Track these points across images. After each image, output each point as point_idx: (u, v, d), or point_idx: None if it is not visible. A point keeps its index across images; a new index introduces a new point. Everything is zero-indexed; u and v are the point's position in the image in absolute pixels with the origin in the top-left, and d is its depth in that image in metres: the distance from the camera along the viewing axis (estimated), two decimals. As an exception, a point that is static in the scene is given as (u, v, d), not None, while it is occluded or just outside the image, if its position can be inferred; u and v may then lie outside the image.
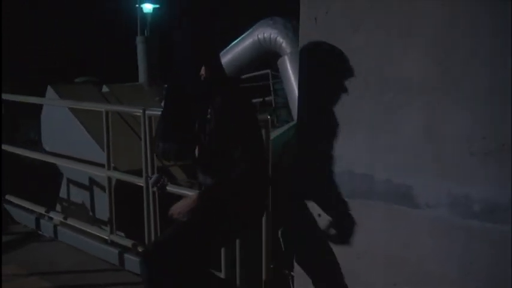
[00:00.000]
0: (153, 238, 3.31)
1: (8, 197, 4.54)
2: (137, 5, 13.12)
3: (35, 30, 15.14)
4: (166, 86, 2.69)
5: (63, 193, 4.66)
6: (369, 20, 2.24)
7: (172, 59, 2.25)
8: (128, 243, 3.56)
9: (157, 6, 14.73)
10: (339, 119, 2.37)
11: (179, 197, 2.82)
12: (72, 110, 4.29)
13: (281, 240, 3.31)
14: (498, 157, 1.96)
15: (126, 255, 3.59)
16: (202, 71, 2.20)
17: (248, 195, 2.26)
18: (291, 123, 5.44)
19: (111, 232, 3.65)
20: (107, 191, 3.63)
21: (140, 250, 3.42)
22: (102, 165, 3.63)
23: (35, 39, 15.04)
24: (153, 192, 3.24)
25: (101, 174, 3.76)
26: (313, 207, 2.53)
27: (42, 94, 4.59)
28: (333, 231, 2.46)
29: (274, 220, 2.81)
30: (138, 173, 3.38)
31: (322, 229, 2.50)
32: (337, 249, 2.45)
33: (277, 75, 8.45)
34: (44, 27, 15.71)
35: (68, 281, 3.47)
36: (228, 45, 7.67)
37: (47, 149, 4.62)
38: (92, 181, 4.26)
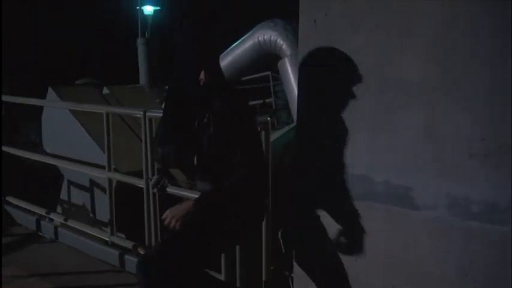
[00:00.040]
0: (153, 239, 3.31)
1: (8, 198, 4.55)
2: (138, 7, 13.16)
3: (35, 30, 15.16)
4: (167, 87, 2.68)
5: (63, 195, 4.67)
6: (368, 20, 2.24)
7: (173, 61, 2.25)
8: (129, 244, 3.56)
9: (158, 8, 14.77)
10: (339, 119, 2.37)
11: (179, 199, 2.83)
12: (73, 111, 4.30)
13: (281, 241, 3.31)
14: (498, 158, 1.95)
15: (127, 257, 3.59)
16: (202, 75, 2.18)
17: (247, 199, 2.25)
18: (291, 125, 5.46)
19: (112, 233, 3.65)
20: (107, 192, 3.63)
21: (140, 253, 3.42)
22: (103, 167, 3.64)
23: (35, 39, 15.05)
24: (154, 194, 3.25)
25: (101, 176, 3.77)
26: (313, 208, 2.53)
27: (42, 95, 4.60)
28: (332, 232, 2.46)
29: (274, 221, 2.81)
30: (138, 174, 3.39)
31: (321, 230, 2.50)
32: (337, 250, 2.45)
33: (278, 77, 8.45)
34: (44, 27, 15.73)
35: (69, 283, 3.48)
36: (228, 48, 7.67)
37: (48, 150, 4.63)
38: (93, 183, 4.27)
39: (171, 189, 2.61)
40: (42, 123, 4.75)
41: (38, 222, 4.38)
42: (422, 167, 2.14)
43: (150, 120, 3.18)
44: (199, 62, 2.21)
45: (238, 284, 2.91)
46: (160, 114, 2.46)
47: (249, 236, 2.60)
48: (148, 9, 14.16)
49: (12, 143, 4.64)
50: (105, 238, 3.74)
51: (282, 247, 3.33)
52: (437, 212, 2.11)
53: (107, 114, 3.51)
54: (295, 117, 3.02)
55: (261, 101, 10.37)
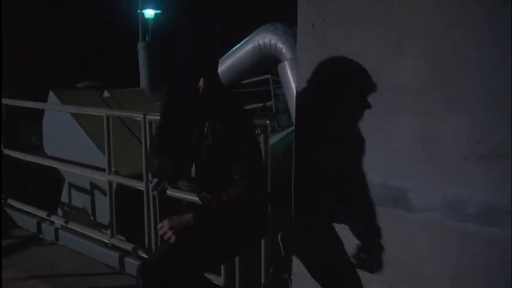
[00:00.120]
0: (153, 242, 3.32)
1: (9, 201, 4.56)
2: (139, 11, 13.19)
3: (35, 31, 15.14)
4: (164, 92, 2.65)
5: (64, 197, 4.69)
6: (367, 21, 2.24)
7: (173, 67, 2.24)
8: (129, 246, 3.58)
9: (159, 12, 14.81)
10: (337, 121, 2.39)
11: (179, 201, 2.85)
12: (74, 114, 4.32)
13: (280, 243, 3.32)
14: (494, 160, 1.97)
15: (127, 259, 3.60)
16: (201, 82, 2.15)
17: (249, 213, 2.25)
18: (291, 128, 5.46)
19: (112, 236, 3.67)
20: (107, 195, 3.65)
21: (140, 255, 3.43)
22: (103, 170, 3.66)
23: (35, 39, 15.04)
24: (154, 196, 3.26)
25: (101, 179, 3.78)
26: (312, 210, 2.54)
27: (42, 96, 4.63)
28: (331, 234, 2.47)
29: (274, 224, 2.81)
30: (138, 177, 3.40)
31: (321, 232, 2.51)
32: (336, 252, 2.46)
33: (278, 80, 8.47)
34: (44, 27, 15.71)
35: (69, 285, 3.49)
36: (229, 51, 7.70)
37: (49, 153, 4.65)
38: (93, 185, 4.29)
39: (171, 192, 2.62)
40: (43, 126, 4.78)
41: (38, 224, 4.39)
42: (419, 169, 2.15)
43: (150, 123, 3.20)
44: (199, 69, 2.17)
45: (237, 287, 2.92)
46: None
47: (250, 247, 2.60)
48: (149, 13, 14.21)
49: (14, 146, 4.66)
50: (106, 240, 3.76)
51: (282, 250, 3.34)
52: (434, 213, 2.12)
53: (108, 117, 3.53)
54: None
55: (261, 104, 10.37)
